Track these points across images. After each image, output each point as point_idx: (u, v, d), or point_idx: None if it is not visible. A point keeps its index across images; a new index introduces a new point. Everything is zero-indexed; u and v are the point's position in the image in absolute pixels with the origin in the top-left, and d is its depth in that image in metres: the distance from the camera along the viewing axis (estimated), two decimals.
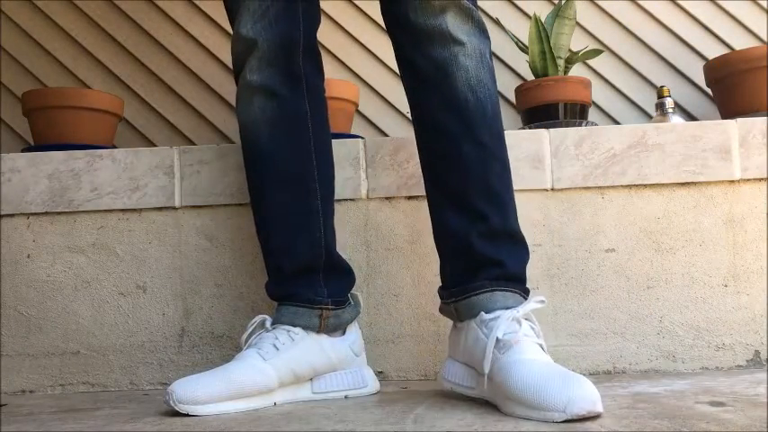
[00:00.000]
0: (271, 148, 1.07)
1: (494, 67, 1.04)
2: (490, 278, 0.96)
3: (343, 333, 1.08)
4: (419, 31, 0.99)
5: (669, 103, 1.54)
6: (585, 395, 0.78)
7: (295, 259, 1.05)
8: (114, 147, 1.54)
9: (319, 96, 1.12)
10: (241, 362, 0.97)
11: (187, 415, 0.90)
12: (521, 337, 0.89)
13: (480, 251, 0.97)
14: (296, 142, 1.08)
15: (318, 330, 1.04)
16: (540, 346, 0.91)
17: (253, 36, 1.04)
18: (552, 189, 1.26)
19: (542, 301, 0.94)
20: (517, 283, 0.97)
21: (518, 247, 1.00)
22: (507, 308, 0.93)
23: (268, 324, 1.03)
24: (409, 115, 1.77)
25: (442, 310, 1.05)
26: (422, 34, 0.99)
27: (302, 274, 1.06)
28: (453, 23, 0.98)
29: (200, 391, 0.91)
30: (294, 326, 1.02)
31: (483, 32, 1.02)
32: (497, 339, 0.89)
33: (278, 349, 0.99)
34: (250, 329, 1.04)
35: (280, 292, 1.06)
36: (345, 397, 1.04)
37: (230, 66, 1.79)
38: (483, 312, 0.94)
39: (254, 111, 1.07)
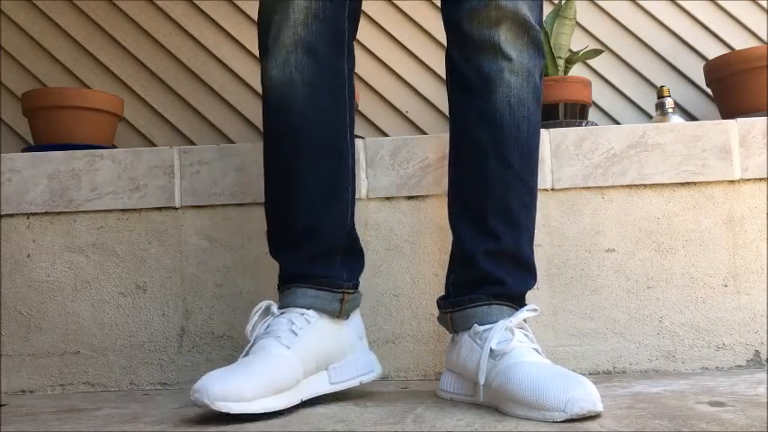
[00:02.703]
0: (308, 113, 0.98)
1: (541, 88, 1.02)
2: (489, 293, 0.96)
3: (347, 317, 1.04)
4: (471, 39, 0.98)
5: (669, 103, 1.54)
6: (586, 395, 0.78)
7: (321, 239, 0.99)
8: (114, 147, 1.54)
9: (353, 58, 1.06)
10: (267, 353, 0.89)
11: (228, 415, 0.81)
12: (515, 345, 0.90)
13: (484, 268, 0.97)
14: (335, 109, 1.01)
15: (339, 315, 1.00)
16: (536, 350, 0.91)
17: None
18: (552, 189, 1.26)
19: (535, 309, 0.95)
20: (515, 301, 0.98)
21: (524, 272, 1.00)
22: (499, 321, 0.93)
23: (275, 309, 0.96)
24: (409, 115, 1.78)
25: (439, 320, 1.05)
26: (473, 43, 0.98)
27: (325, 255, 1.00)
28: (506, 37, 0.97)
29: (243, 387, 0.82)
30: (308, 308, 0.96)
31: (537, 50, 0.99)
32: (491, 350, 0.90)
33: (296, 335, 0.92)
34: (255, 317, 0.96)
35: (298, 272, 0.98)
36: (360, 383, 1.00)
37: (230, 66, 1.80)
38: (476, 324, 0.94)
39: (289, 69, 0.97)
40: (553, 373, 0.84)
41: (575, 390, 0.79)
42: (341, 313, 1.00)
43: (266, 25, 0.98)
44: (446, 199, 1.08)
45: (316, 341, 0.94)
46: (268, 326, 0.94)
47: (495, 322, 0.93)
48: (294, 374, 0.89)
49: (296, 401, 0.89)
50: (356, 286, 1.04)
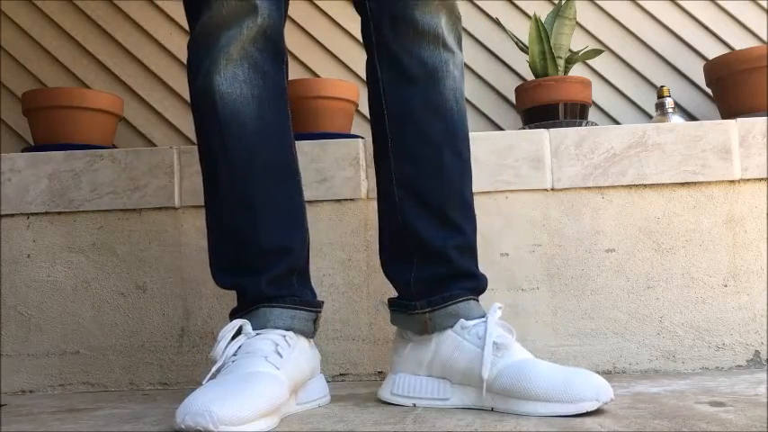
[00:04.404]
0: (259, 130, 0.95)
1: None
2: (466, 288, 0.96)
3: None
4: (414, 29, 0.95)
5: (669, 103, 1.54)
6: (604, 383, 0.83)
7: (290, 258, 0.96)
8: (114, 147, 1.54)
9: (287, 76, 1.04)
10: (261, 374, 0.84)
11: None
12: (513, 340, 0.90)
13: (458, 263, 0.95)
14: (281, 126, 0.99)
15: (312, 336, 0.98)
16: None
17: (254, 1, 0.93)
18: (552, 189, 1.26)
19: (500, 307, 0.94)
20: (479, 295, 0.98)
21: (477, 262, 1.00)
22: (482, 316, 0.93)
23: (249, 329, 0.91)
24: None
25: (401, 322, 0.99)
26: (415, 32, 0.96)
27: (295, 273, 0.98)
28: (445, 28, 0.97)
29: (246, 409, 0.76)
30: (288, 330, 0.93)
31: (461, 45, 1.01)
32: (494, 344, 0.89)
33: (281, 356, 0.88)
34: (229, 337, 0.90)
35: (266, 293, 0.94)
36: (319, 405, 0.96)
37: None
38: (463, 320, 0.93)
39: (238, 83, 0.94)
40: (565, 368, 0.86)
41: (595, 380, 0.83)
42: (313, 333, 0.99)
43: (212, 38, 0.94)
44: None
45: (297, 364, 0.91)
46: (240, 346, 0.89)
47: (477, 318, 0.93)
48: (285, 396, 0.85)
49: (277, 422, 0.84)
50: (322, 304, 1.01)
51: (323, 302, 1.01)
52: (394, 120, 0.99)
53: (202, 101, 0.96)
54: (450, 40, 0.97)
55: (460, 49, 1.00)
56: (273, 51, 0.98)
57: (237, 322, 0.91)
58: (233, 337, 0.90)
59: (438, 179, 0.96)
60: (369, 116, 1.03)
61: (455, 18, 0.98)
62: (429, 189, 0.96)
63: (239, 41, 0.94)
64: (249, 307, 0.95)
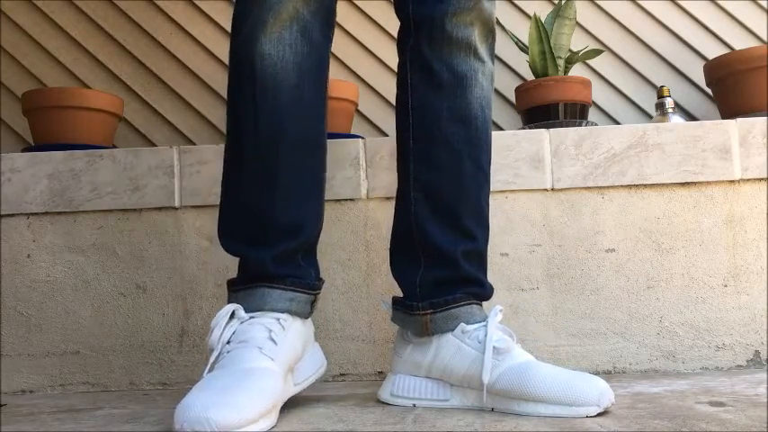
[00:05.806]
0: (294, 100, 0.91)
1: None
2: (470, 293, 0.96)
3: None
4: (448, 37, 0.97)
5: (669, 103, 1.54)
6: (607, 388, 0.83)
7: (302, 236, 0.94)
8: (114, 147, 1.54)
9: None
10: (257, 369, 0.82)
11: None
12: (513, 344, 0.91)
13: (464, 269, 0.96)
14: (317, 98, 0.96)
15: (307, 316, 0.96)
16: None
17: None
18: (552, 189, 1.26)
19: (501, 310, 0.94)
20: (483, 302, 0.98)
21: (486, 270, 1.01)
22: (483, 321, 0.93)
23: (242, 313, 0.88)
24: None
25: (401, 321, 0.99)
26: (449, 41, 0.97)
27: (302, 252, 0.95)
28: (478, 39, 0.98)
29: (244, 412, 0.75)
30: (283, 312, 0.90)
31: (494, 55, 1.02)
32: (494, 348, 0.89)
33: (276, 344, 0.86)
34: (223, 324, 0.87)
35: (269, 271, 0.90)
36: (315, 380, 0.97)
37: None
38: (463, 324, 0.93)
39: (282, 46, 0.90)
40: (569, 372, 0.86)
41: (598, 385, 0.83)
42: (310, 314, 0.97)
43: None
44: None
45: (291, 346, 0.90)
46: (234, 332, 0.87)
47: (478, 322, 0.93)
48: (281, 387, 0.84)
49: (276, 417, 0.83)
50: (322, 284, 0.99)
51: (323, 281, 0.99)
52: (418, 123, 1.00)
53: (241, 59, 0.91)
54: (482, 50, 0.99)
55: (492, 60, 1.02)
56: (324, 19, 0.95)
57: (230, 307, 0.89)
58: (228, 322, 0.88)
59: (455, 186, 0.97)
60: (394, 116, 1.04)
61: (488, 31, 1.00)
62: (445, 194, 0.97)
63: (291, 1, 0.90)
64: (249, 283, 0.92)
